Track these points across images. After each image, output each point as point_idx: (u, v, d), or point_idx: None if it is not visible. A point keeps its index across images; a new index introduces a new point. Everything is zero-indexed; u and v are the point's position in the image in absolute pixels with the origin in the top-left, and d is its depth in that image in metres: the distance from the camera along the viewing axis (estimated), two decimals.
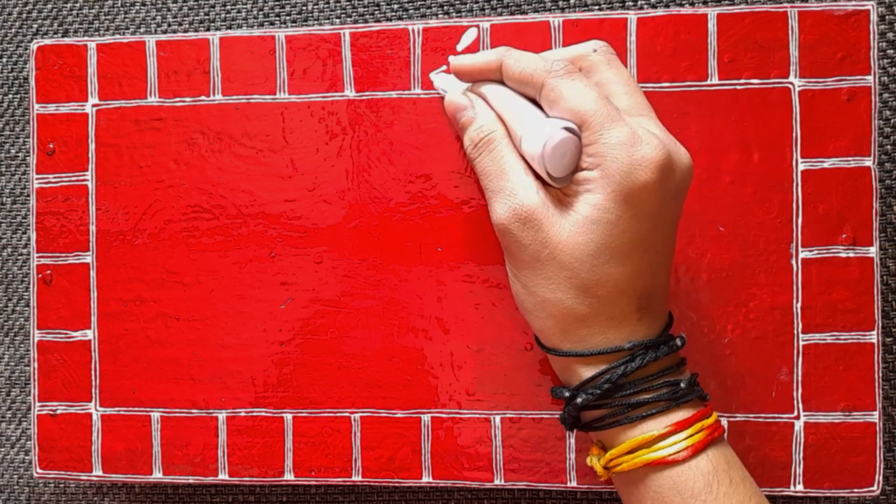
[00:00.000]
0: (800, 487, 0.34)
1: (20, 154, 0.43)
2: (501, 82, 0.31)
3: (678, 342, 0.30)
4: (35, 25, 0.43)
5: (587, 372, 0.29)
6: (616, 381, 0.28)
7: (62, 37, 0.43)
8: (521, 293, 0.30)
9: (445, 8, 0.40)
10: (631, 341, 0.29)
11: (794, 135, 0.35)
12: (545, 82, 0.29)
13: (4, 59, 0.43)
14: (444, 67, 0.36)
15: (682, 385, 0.29)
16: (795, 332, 0.35)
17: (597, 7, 0.40)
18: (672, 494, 0.28)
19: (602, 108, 0.27)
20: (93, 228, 0.38)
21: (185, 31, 0.42)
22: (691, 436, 0.28)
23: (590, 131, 0.27)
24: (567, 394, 0.30)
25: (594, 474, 0.35)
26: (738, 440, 0.35)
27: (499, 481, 0.35)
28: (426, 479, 0.36)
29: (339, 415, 0.36)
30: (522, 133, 0.29)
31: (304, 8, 0.41)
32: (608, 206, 0.27)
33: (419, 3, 0.41)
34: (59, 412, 0.38)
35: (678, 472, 0.28)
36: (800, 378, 0.34)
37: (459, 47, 0.36)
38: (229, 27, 0.42)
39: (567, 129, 0.28)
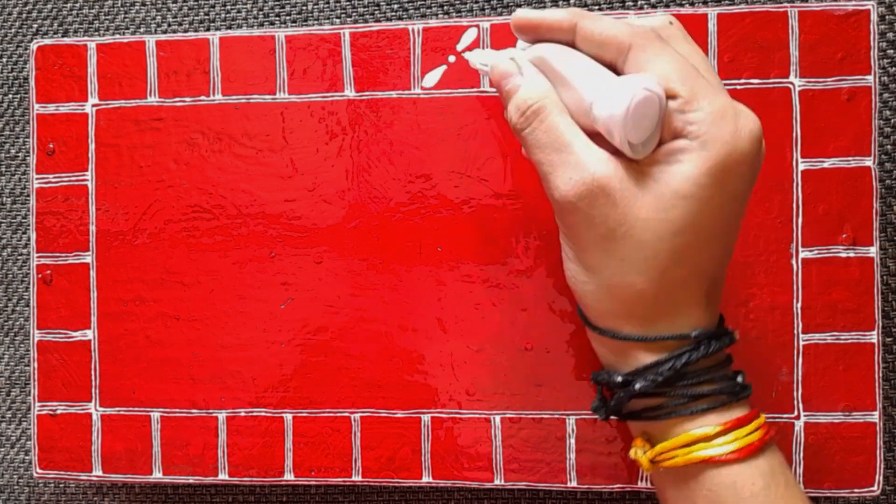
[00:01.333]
0: (800, 487, 0.34)
1: (20, 154, 0.43)
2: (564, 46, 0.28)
3: (735, 335, 0.28)
4: (35, 25, 0.43)
5: (648, 358, 0.27)
6: (680, 370, 0.27)
7: (62, 37, 0.43)
8: (580, 276, 0.28)
9: (445, 8, 0.40)
10: (696, 329, 0.27)
11: (794, 135, 0.35)
12: (634, 43, 0.26)
13: (4, 59, 0.43)
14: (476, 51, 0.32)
15: (739, 380, 0.28)
16: (795, 332, 0.35)
17: (597, 7, 0.40)
18: (729, 494, 0.26)
19: (695, 76, 0.25)
20: (93, 228, 0.38)
21: (185, 31, 0.42)
22: (750, 433, 0.27)
23: (688, 96, 0.25)
24: (620, 379, 0.28)
25: (593, 474, 0.35)
26: None
27: (499, 481, 0.35)
28: (426, 479, 0.36)
29: (339, 415, 0.36)
30: (594, 96, 0.26)
31: (304, 8, 0.41)
32: (704, 182, 0.25)
33: (419, 3, 0.41)
34: (59, 412, 0.38)
35: (738, 470, 0.26)
36: (800, 378, 0.34)
37: (459, 47, 0.36)
38: (229, 27, 0.42)
39: (647, 88, 0.25)
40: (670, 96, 0.25)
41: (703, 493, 0.27)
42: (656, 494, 0.31)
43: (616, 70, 0.27)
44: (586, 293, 0.28)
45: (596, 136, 0.27)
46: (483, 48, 0.35)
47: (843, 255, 0.34)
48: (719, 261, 0.27)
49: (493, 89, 0.35)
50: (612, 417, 0.31)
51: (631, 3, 0.39)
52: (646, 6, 0.39)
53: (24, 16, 0.43)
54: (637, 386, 0.27)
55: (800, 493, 0.27)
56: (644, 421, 0.28)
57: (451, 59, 0.36)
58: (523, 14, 0.28)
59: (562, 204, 0.27)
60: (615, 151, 0.26)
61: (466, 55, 0.31)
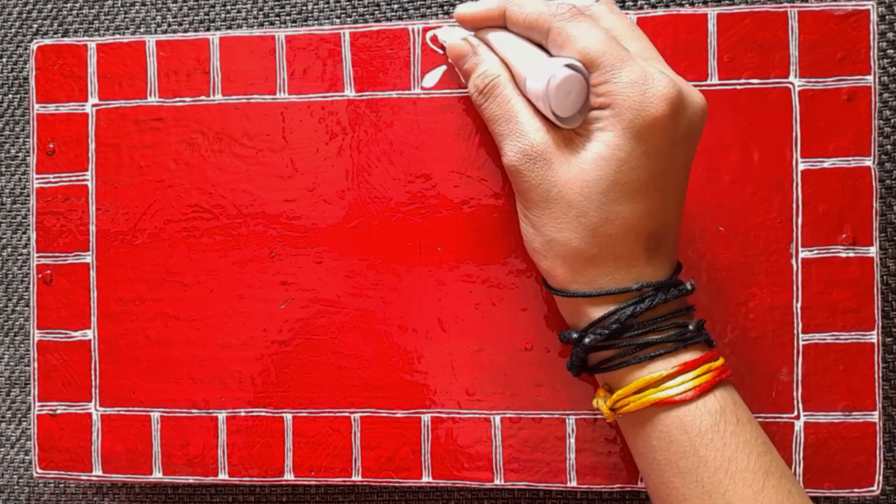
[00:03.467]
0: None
1: (20, 154, 0.43)
2: (506, 28, 0.32)
3: (688, 286, 0.30)
4: (35, 25, 0.43)
5: (596, 313, 0.30)
6: (625, 322, 0.29)
7: (62, 37, 0.43)
8: (530, 233, 0.31)
9: (445, 8, 0.40)
10: (639, 282, 0.29)
11: (794, 135, 0.35)
12: (551, 26, 0.29)
13: (4, 59, 0.43)
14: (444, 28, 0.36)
15: (691, 327, 0.29)
16: (795, 332, 0.35)
17: None
18: (679, 433, 0.28)
19: (611, 49, 0.28)
20: (93, 228, 0.38)
21: (185, 31, 0.42)
22: (699, 376, 0.28)
23: (600, 71, 0.28)
24: (575, 335, 0.30)
25: (593, 474, 0.35)
26: None
27: (499, 481, 0.35)
28: (426, 479, 0.36)
29: (339, 415, 0.36)
30: (526, 74, 0.29)
31: (304, 8, 0.41)
32: (619, 143, 0.27)
33: (419, 3, 0.41)
34: (59, 412, 0.38)
35: (685, 411, 0.28)
36: (800, 378, 0.34)
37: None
38: (229, 27, 0.42)
39: (571, 66, 0.28)
40: (591, 70, 0.28)
41: (657, 434, 0.29)
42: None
43: (545, 48, 0.30)
44: (535, 251, 0.31)
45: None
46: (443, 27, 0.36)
47: (843, 255, 0.34)
48: (656, 216, 0.29)
49: None
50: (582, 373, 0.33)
51: (631, 3, 0.39)
52: (645, 6, 0.39)
53: (24, 16, 0.43)
54: (586, 341, 0.30)
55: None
56: (602, 373, 0.30)
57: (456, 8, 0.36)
58: (461, 11, 0.33)
59: (509, 169, 0.30)
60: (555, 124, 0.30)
61: (433, 33, 0.35)
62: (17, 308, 0.43)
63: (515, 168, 0.29)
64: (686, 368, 0.28)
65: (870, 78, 0.34)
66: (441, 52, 0.35)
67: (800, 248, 0.35)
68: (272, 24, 0.41)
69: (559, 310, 0.33)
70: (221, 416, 0.37)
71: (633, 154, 0.27)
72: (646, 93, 0.27)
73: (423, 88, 0.36)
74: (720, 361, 0.29)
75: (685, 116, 0.28)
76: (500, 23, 0.32)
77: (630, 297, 0.29)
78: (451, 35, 0.34)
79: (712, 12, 0.35)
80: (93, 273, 0.38)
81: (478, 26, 0.33)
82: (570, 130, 0.29)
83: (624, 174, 0.28)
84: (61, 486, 0.42)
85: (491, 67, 0.31)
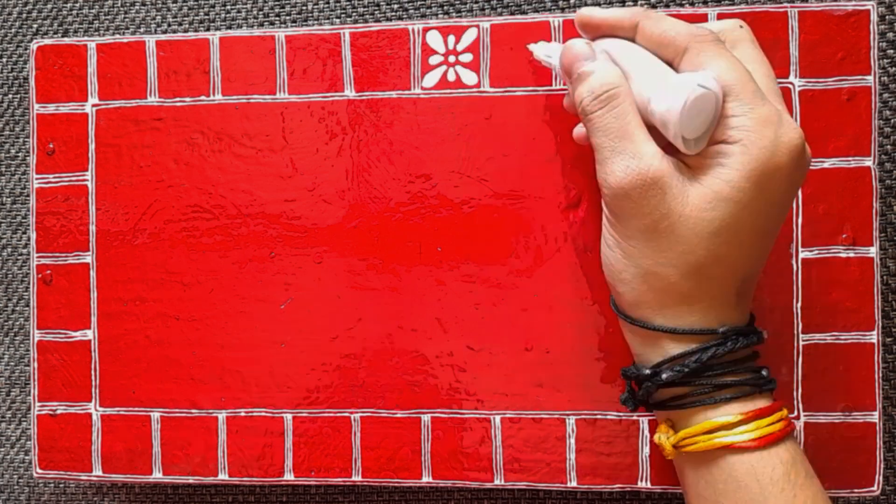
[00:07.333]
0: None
1: (20, 154, 0.43)
2: (628, 41, 0.30)
3: (764, 335, 0.30)
4: (35, 25, 0.43)
5: (675, 349, 0.29)
6: (706, 362, 0.28)
7: (62, 37, 0.43)
8: (619, 262, 0.29)
9: (445, 8, 0.40)
10: (724, 325, 0.28)
11: None
12: (690, 46, 0.27)
13: (4, 59, 0.43)
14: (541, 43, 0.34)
15: (764, 374, 0.29)
16: (795, 332, 0.35)
17: (598, 6, 0.40)
18: (749, 479, 0.27)
19: (750, 83, 0.26)
20: (93, 228, 0.38)
21: (185, 31, 0.42)
22: (772, 424, 0.28)
23: (737, 102, 0.26)
24: (648, 371, 0.29)
25: (593, 474, 0.35)
26: None
27: (499, 481, 0.35)
28: (426, 479, 0.36)
29: (339, 415, 0.36)
30: (652, 92, 0.27)
31: (304, 8, 0.41)
32: (743, 186, 0.26)
33: (419, 3, 0.41)
34: (59, 412, 0.38)
35: (757, 457, 0.27)
36: (800, 378, 0.34)
37: (460, 47, 0.36)
38: (229, 27, 0.42)
39: (704, 86, 0.26)
40: (725, 100, 0.26)
41: (724, 478, 0.28)
42: (678, 478, 0.31)
43: (674, 68, 0.28)
44: (622, 281, 0.29)
45: (651, 131, 0.28)
46: (550, 41, 0.35)
47: (843, 255, 0.34)
48: (754, 262, 0.28)
49: (494, 89, 0.35)
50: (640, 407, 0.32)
51: (631, 4, 0.39)
52: (645, 6, 0.39)
53: (24, 16, 0.43)
54: (664, 376, 0.29)
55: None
56: (668, 410, 0.30)
57: (451, 58, 0.36)
58: (587, 12, 0.30)
59: (615, 190, 0.27)
60: (667, 148, 0.28)
61: (530, 47, 0.33)
62: (17, 308, 0.43)
63: (624, 191, 0.27)
64: (759, 415, 0.28)
65: (870, 78, 0.34)
66: (548, 62, 0.33)
67: (800, 248, 0.35)
68: (272, 24, 0.41)
69: (626, 338, 0.31)
70: (221, 416, 0.37)
71: (754, 200, 0.26)
72: (779, 138, 0.26)
73: (423, 88, 0.36)
74: (785, 412, 0.29)
75: (802, 167, 0.27)
76: (626, 35, 0.29)
77: (713, 339, 0.28)
78: (552, 50, 0.32)
79: (712, 12, 0.35)
80: (93, 273, 0.38)
81: (603, 34, 0.30)
82: (682, 160, 0.28)
83: (741, 219, 0.26)
84: (61, 486, 0.42)
85: (613, 76, 0.28)
